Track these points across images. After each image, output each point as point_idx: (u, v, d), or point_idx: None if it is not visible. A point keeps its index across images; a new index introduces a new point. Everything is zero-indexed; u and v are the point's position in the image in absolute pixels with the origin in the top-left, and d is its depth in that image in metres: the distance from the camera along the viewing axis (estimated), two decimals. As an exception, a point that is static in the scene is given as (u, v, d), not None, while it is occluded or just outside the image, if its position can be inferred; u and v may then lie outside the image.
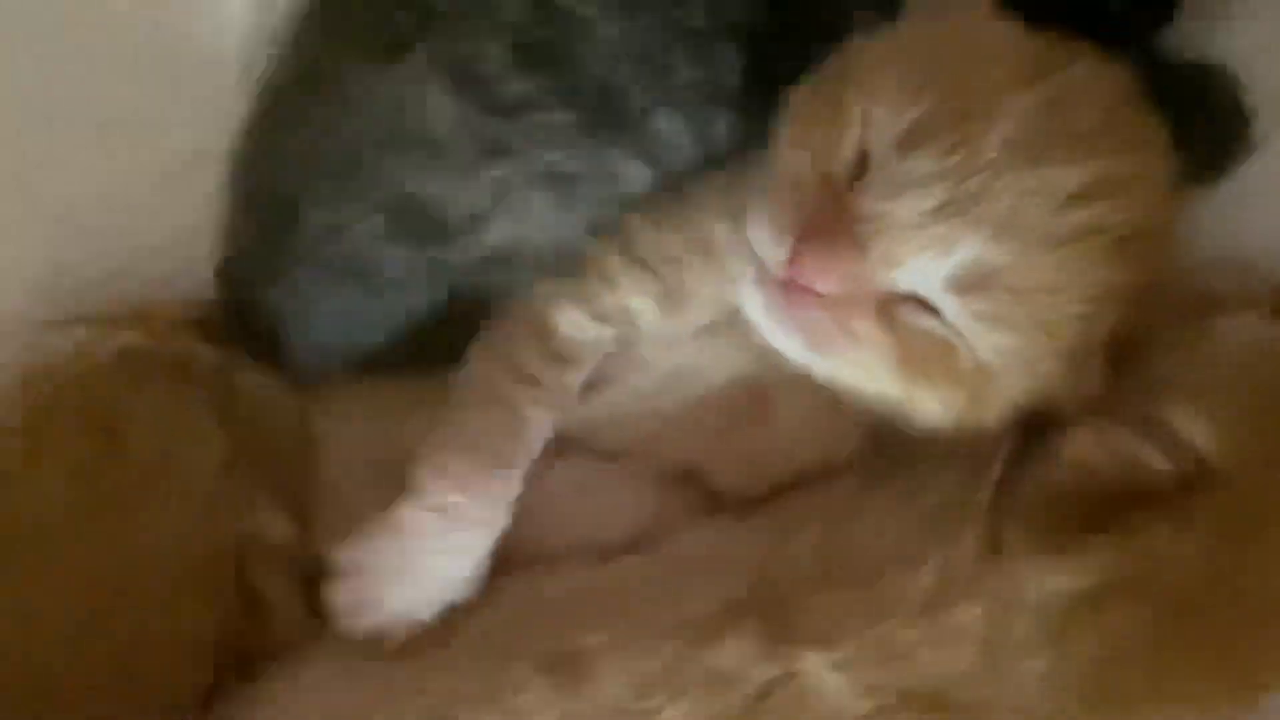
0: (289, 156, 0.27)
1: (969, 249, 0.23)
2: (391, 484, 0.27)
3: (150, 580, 0.26)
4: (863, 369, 0.24)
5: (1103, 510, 0.26)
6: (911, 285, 0.23)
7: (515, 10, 0.25)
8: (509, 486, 0.27)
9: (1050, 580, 0.26)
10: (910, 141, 0.23)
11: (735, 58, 0.26)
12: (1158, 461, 0.24)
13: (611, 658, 0.25)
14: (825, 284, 0.23)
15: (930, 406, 0.25)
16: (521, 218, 0.25)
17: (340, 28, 0.27)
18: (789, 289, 0.23)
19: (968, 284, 0.24)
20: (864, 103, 0.25)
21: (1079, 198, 0.24)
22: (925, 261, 0.23)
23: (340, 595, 0.27)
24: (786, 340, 0.24)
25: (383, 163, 0.25)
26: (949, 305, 0.24)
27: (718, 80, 0.25)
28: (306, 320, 0.27)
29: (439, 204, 0.25)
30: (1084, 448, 0.25)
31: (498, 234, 0.25)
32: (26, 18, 0.32)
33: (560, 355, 0.27)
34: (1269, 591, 0.24)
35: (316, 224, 0.26)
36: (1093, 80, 0.25)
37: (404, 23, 0.25)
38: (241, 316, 0.28)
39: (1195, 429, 0.25)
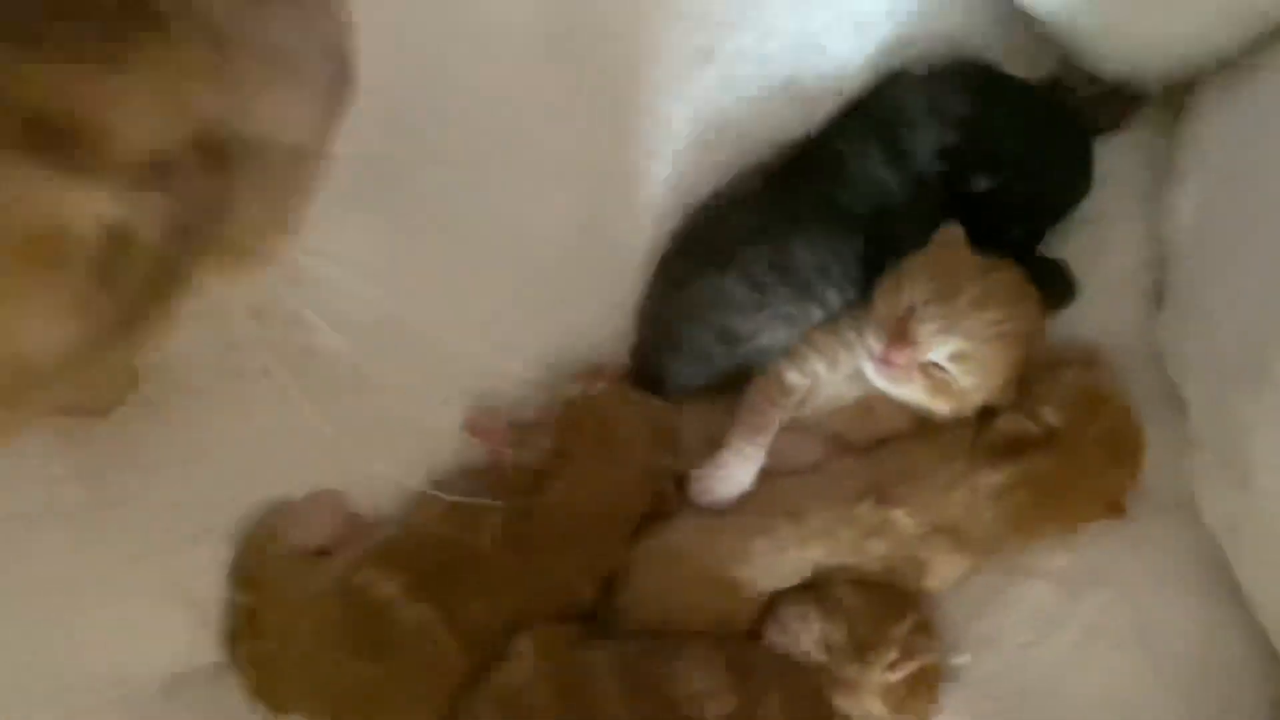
0: (674, 299, 0.60)
1: (955, 344, 0.55)
2: (714, 444, 0.62)
3: (631, 498, 0.61)
4: (913, 393, 0.57)
5: (1014, 447, 0.59)
6: (932, 358, 0.55)
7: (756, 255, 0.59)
8: (766, 444, 0.60)
9: (994, 476, 0.59)
10: (928, 302, 0.58)
11: (860, 256, 0.60)
12: (1033, 429, 0.58)
13: (815, 510, 0.59)
14: (898, 359, 0.57)
15: (941, 407, 0.58)
16: (772, 337, 0.59)
17: (696, 248, 0.60)
18: (883, 362, 0.57)
19: (955, 357, 0.57)
20: (908, 285, 0.59)
21: (1000, 322, 0.58)
22: (937, 350, 0.57)
23: (695, 489, 0.61)
24: (882, 383, 0.58)
25: (714, 315, 0.60)
26: (948, 366, 0.57)
27: (851, 272, 0.59)
28: (678, 372, 0.61)
29: (739, 330, 0.60)
30: (1006, 422, 0.59)
31: (765, 340, 0.60)
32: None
33: (786, 390, 0.60)
34: (1076, 478, 0.57)
35: (685, 334, 0.61)
36: (1006, 274, 0.58)
37: (724, 250, 0.60)
38: (645, 370, 0.63)
39: (1050, 416, 0.58)
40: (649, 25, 0.54)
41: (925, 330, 0.54)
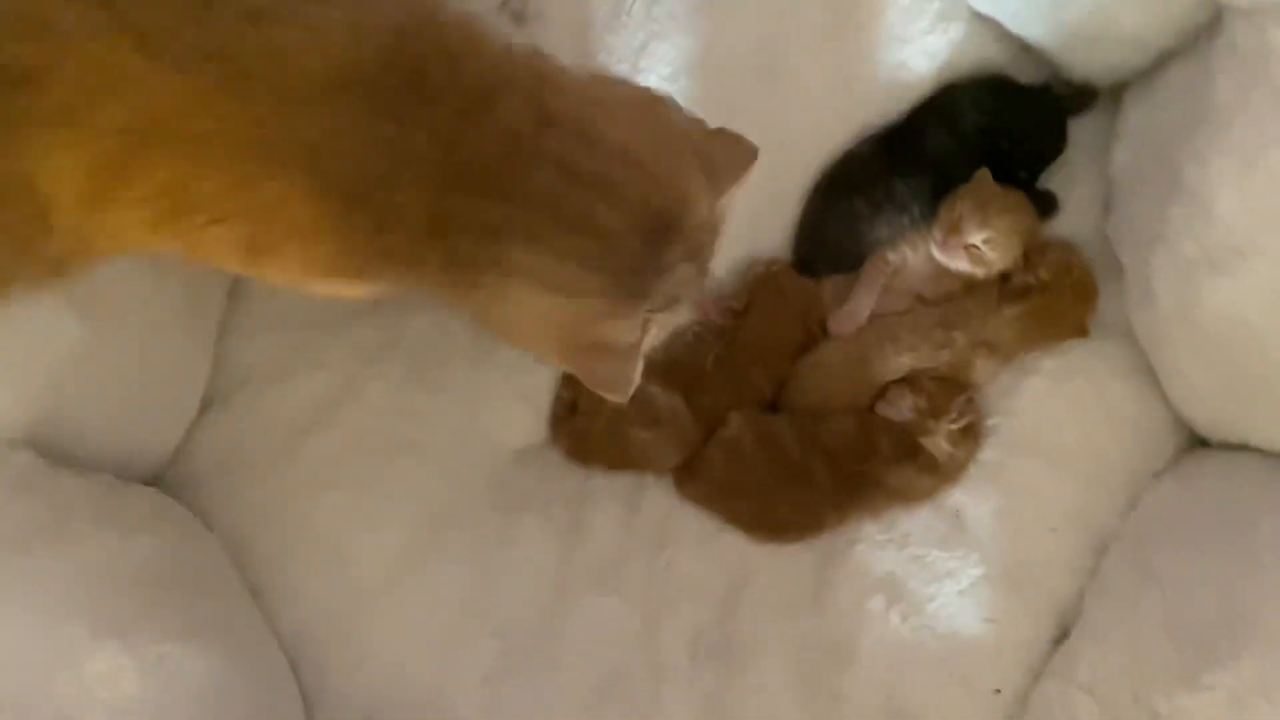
0: (823, 213, 1.03)
1: (985, 233, 0.95)
2: (842, 302, 1.04)
3: (793, 333, 1.03)
4: (961, 264, 0.97)
5: (1022, 293, 0.98)
6: (971, 241, 0.97)
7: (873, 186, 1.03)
8: (874, 296, 1.01)
9: (1012, 310, 0.99)
10: (970, 210, 0.99)
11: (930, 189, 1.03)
12: (1034, 282, 0.97)
13: (906, 335, 1.00)
14: (953, 243, 0.99)
15: (978, 271, 0.98)
16: (880, 235, 1.01)
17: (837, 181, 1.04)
18: (943, 245, 0.98)
19: (986, 241, 0.97)
20: (959, 202, 1.00)
21: (1011, 222, 1.00)
22: (974, 236, 0.98)
23: (832, 323, 1.04)
24: (943, 258, 1.00)
25: (846, 223, 1.03)
26: (981, 246, 0.99)
27: (925, 198, 1.02)
28: (822, 259, 1.04)
29: (861, 232, 1.02)
30: (1017, 279, 0.97)
31: (876, 237, 1.02)
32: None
33: (887, 264, 1.01)
34: (1058, 310, 0.99)
35: (829, 234, 1.04)
36: (1015, 196, 1.00)
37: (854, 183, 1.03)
38: (802, 259, 1.05)
39: (1044, 274, 0.96)
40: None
41: (968, 225, 0.97)
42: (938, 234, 0.98)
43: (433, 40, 0.59)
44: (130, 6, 0.53)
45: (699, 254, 0.66)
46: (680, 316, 0.69)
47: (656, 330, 0.67)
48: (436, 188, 0.59)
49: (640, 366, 0.67)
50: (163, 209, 0.58)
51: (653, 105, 0.67)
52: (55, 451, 0.79)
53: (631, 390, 0.67)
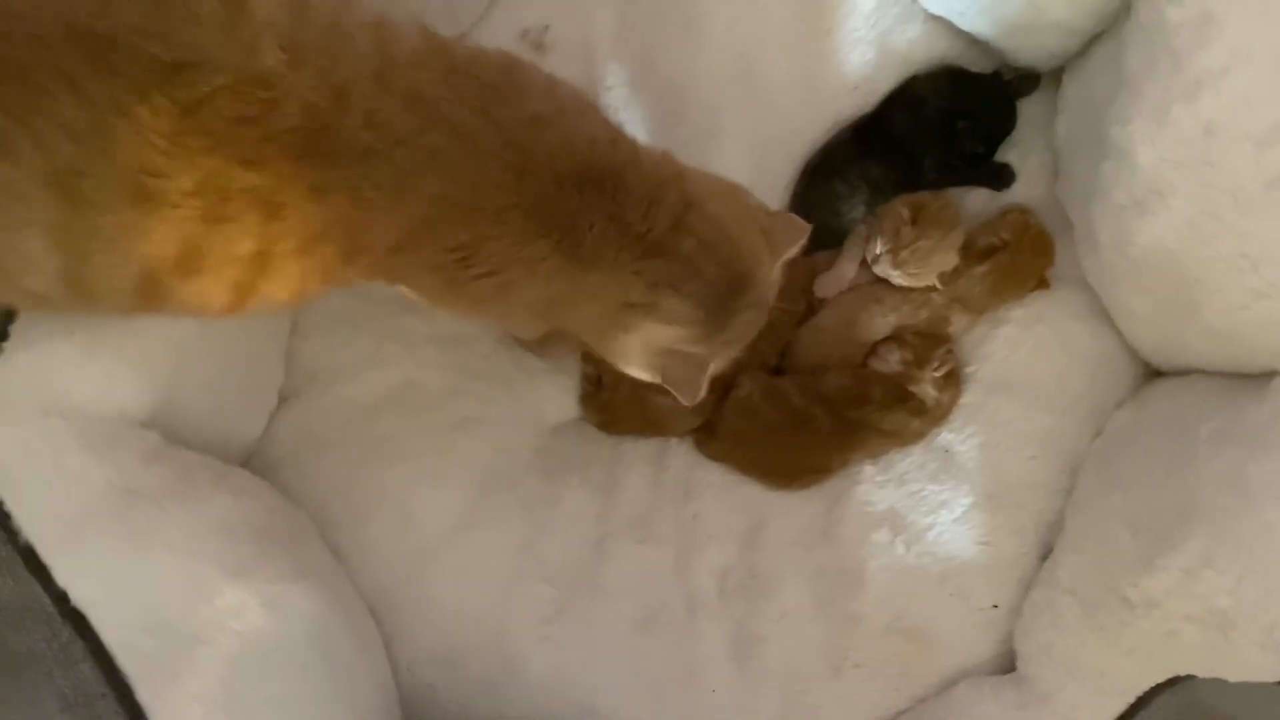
0: (807, 195, 1.24)
1: (897, 273, 1.14)
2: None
3: (794, 303, 1.24)
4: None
5: (988, 252, 1.17)
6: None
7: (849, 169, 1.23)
8: (856, 263, 1.22)
9: (980, 268, 1.19)
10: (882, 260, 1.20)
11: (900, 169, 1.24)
12: (997, 242, 1.17)
13: (889, 296, 1.21)
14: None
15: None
16: (857, 213, 1.21)
17: (818, 166, 1.25)
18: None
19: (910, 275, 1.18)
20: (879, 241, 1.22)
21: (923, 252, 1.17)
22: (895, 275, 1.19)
23: (818, 285, 1.23)
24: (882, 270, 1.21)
25: (828, 202, 1.23)
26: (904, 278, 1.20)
27: (894, 179, 1.22)
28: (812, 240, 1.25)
29: (841, 210, 1.23)
30: (982, 239, 1.18)
31: (854, 215, 1.22)
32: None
33: (865, 237, 1.24)
34: (1021, 266, 1.18)
35: (813, 213, 1.24)
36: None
37: (833, 167, 1.23)
38: None
39: (1005, 234, 1.18)
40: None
41: (884, 266, 1.15)
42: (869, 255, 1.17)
43: (623, 150, 0.86)
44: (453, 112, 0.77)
45: (761, 304, 0.93)
46: (737, 349, 0.95)
47: (723, 354, 0.93)
48: (632, 255, 0.85)
49: (707, 380, 0.92)
50: (454, 260, 0.81)
51: (735, 191, 0.95)
52: (170, 433, 0.98)
53: (700, 395, 0.91)
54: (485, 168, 0.78)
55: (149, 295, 0.76)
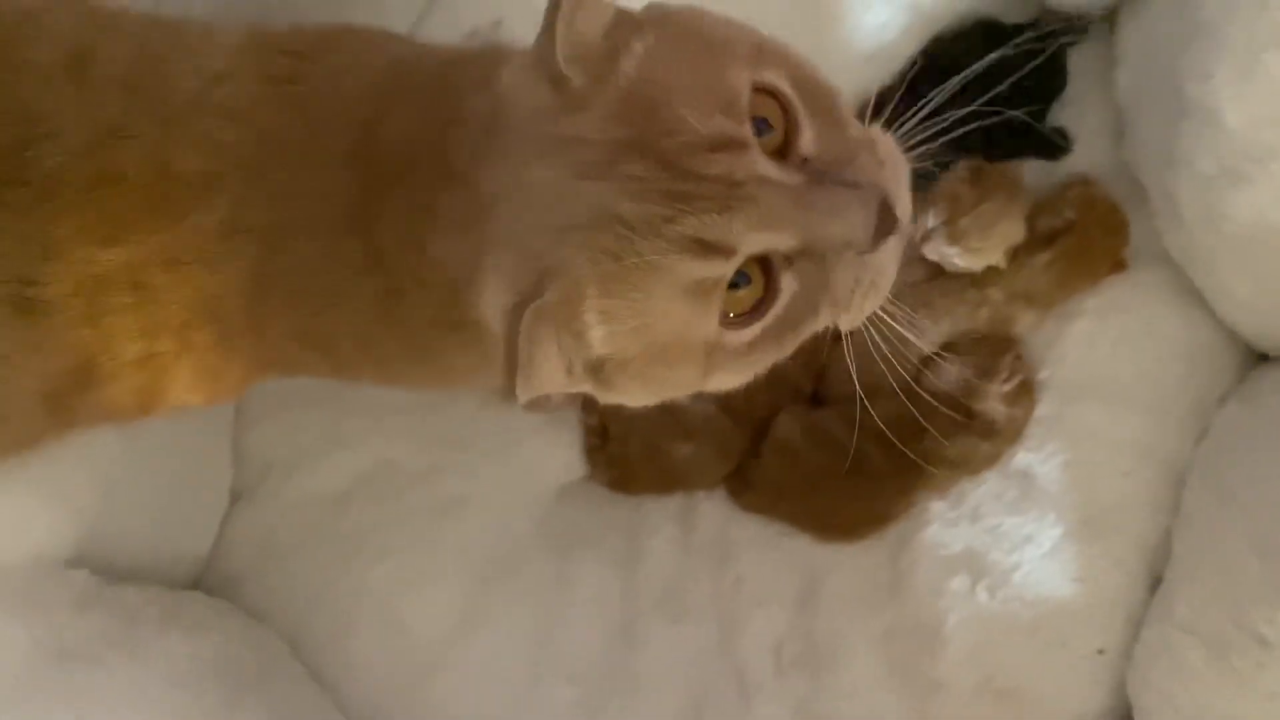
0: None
1: (956, 248, 1.03)
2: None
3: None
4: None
5: (1051, 237, 1.07)
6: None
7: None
8: None
9: (1044, 256, 1.08)
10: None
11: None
12: (1060, 223, 1.08)
13: (939, 299, 1.12)
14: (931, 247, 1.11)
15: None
16: None
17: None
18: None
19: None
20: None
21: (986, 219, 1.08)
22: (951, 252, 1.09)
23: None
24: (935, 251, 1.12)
25: None
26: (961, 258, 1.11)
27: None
28: None
29: None
30: (1043, 222, 1.07)
31: None
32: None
33: None
34: (1090, 248, 1.09)
35: None
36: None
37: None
38: None
39: (1069, 213, 1.08)
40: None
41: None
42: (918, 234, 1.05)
43: None
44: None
45: None
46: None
47: None
48: None
49: None
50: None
51: None
52: (103, 566, 0.90)
53: None
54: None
55: (58, 416, 0.71)
